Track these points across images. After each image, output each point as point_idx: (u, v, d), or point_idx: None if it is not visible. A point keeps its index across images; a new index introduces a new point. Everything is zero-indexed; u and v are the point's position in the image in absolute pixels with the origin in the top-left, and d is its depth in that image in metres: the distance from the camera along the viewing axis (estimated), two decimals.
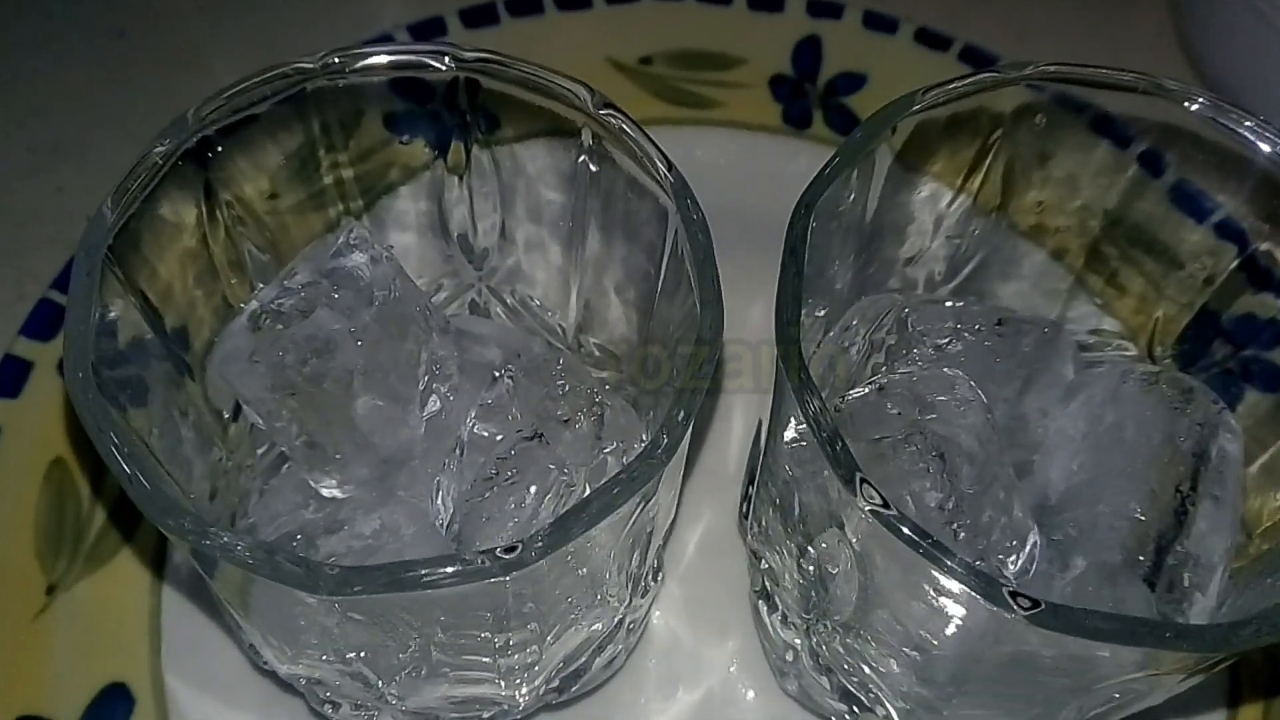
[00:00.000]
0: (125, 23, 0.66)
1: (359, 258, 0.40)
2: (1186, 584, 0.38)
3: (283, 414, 0.39)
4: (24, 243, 0.58)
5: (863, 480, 0.31)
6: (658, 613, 0.48)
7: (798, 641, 0.42)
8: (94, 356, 0.34)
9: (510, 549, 0.31)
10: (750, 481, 0.44)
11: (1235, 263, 0.42)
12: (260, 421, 0.40)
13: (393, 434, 0.40)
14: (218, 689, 0.45)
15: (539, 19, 0.63)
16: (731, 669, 0.47)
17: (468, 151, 0.43)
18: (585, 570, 0.36)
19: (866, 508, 0.30)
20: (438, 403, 0.42)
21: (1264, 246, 0.41)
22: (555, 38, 0.62)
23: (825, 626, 0.39)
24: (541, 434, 0.40)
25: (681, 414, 0.34)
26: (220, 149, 0.39)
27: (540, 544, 0.31)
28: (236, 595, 0.37)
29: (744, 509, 0.45)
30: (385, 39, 0.61)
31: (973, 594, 0.29)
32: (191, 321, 0.41)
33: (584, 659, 0.42)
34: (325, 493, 0.41)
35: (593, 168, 0.40)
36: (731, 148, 0.60)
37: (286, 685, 0.43)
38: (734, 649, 0.47)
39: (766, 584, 0.43)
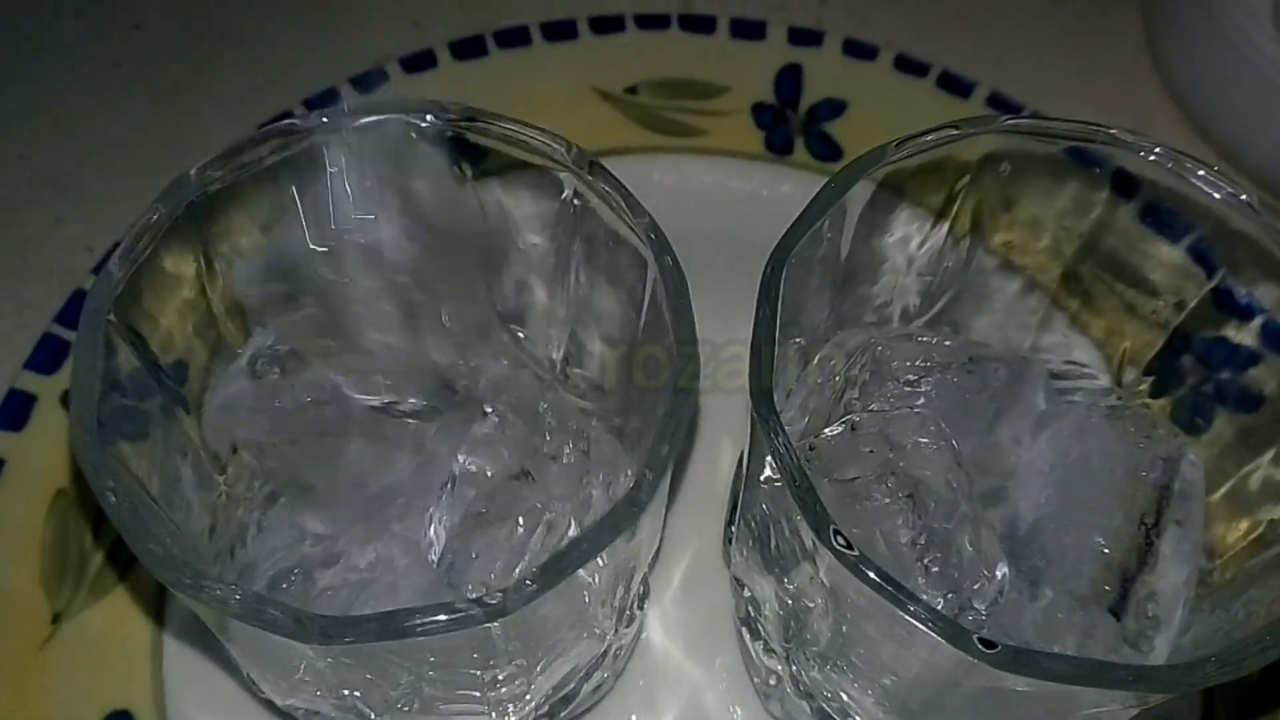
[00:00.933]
0: (122, 55, 0.67)
1: None
2: (1151, 614, 0.40)
3: (280, 459, 0.40)
4: (24, 274, 0.59)
5: (832, 528, 0.32)
6: (646, 635, 0.49)
7: (779, 668, 0.43)
8: (103, 414, 0.35)
9: (495, 596, 0.32)
10: (733, 511, 0.45)
11: (1203, 292, 0.43)
12: (256, 464, 0.41)
13: (386, 474, 0.42)
14: (219, 717, 0.46)
15: (526, 50, 0.64)
16: (718, 691, 0.48)
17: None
18: (571, 608, 0.38)
19: (830, 557, 0.32)
20: (428, 442, 0.43)
21: (1228, 283, 0.42)
22: (543, 68, 0.64)
23: (804, 656, 0.40)
24: (528, 471, 0.42)
25: (665, 449, 0.35)
26: (216, 204, 0.40)
27: (526, 590, 0.33)
28: (233, 637, 0.38)
29: (727, 536, 0.46)
30: (377, 73, 0.62)
31: (934, 635, 0.31)
32: (190, 364, 0.42)
33: (572, 685, 0.44)
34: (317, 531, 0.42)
35: (576, 213, 0.42)
36: (716, 174, 0.61)
37: (286, 715, 0.44)
38: (721, 671, 0.48)
39: (750, 611, 0.44)
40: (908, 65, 0.64)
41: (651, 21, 0.65)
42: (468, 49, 0.63)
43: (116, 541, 0.49)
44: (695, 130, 0.62)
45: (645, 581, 0.47)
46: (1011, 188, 0.42)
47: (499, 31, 0.64)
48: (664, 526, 0.47)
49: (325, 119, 0.39)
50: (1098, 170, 0.41)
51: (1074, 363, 0.47)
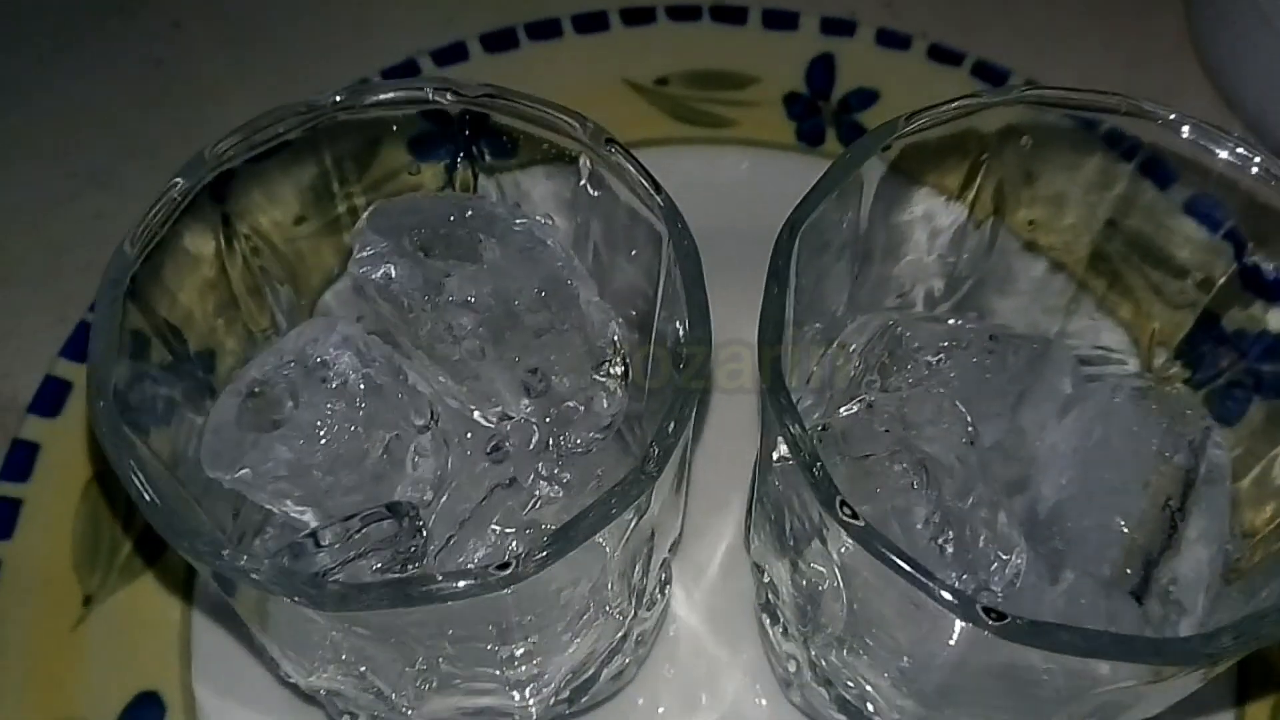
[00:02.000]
0: (160, 53, 0.68)
1: (348, 335, 0.41)
2: (1174, 597, 0.39)
3: (275, 495, 0.40)
4: (63, 268, 0.60)
5: (840, 499, 0.32)
6: (671, 624, 0.49)
7: (799, 654, 0.43)
8: (120, 384, 0.36)
9: (505, 565, 0.32)
10: (752, 495, 0.45)
11: (1231, 269, 0.42)
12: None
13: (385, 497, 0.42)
14: (244, 698, 0.47)
15: (558, 42, 0.64)
16: (743, 680, 0.48)
17: (475, 179, 0.44)
18: (583, 584, 0.38)
19: (842, 527, 0.31)
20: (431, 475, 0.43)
21: (1255, 259, 0.41)
22: (573, 60, 0.64)
23: (820, 639, 0.40)
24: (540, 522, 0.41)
25: (672, 425, 0.35)
26: (236, 183, 0.40)
27: (537, 557, 0.33)
28: (254, 612, 0.39)
29: (747, 522, 0.46)
30: (409, 65, 0.62)
31: (941, 607, 0.30)
32: (214, 346, 0.43)
33: (591, 670, 0.44)
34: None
35: (593, 192, 0.42)
36: (746, 165, 0.61)
37: (308, 696, 0.45)
38: (745, 660, 0.48)
39: (769, 596, 0.44)
40: (941, 54, 0.63)
41: (683, 13, 0.65)
42: (499, 41, 0.64)
43: (147, 528, 0.49)
44: (726, 121, 0.62)
45: (667, 567, 0.47)
46: (1033, 162, 0.41)
47: (530, 24, 0.64)
48: (685, 514, 0.47)
49: (339, 97, 0.40)
50: (1121, 142, 0.40)
51: (1103, 348, 0.47)
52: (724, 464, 0.51)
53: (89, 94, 0.67)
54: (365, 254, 0.41)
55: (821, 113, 0.62)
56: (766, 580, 0.43)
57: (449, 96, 0.40)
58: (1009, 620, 0.30)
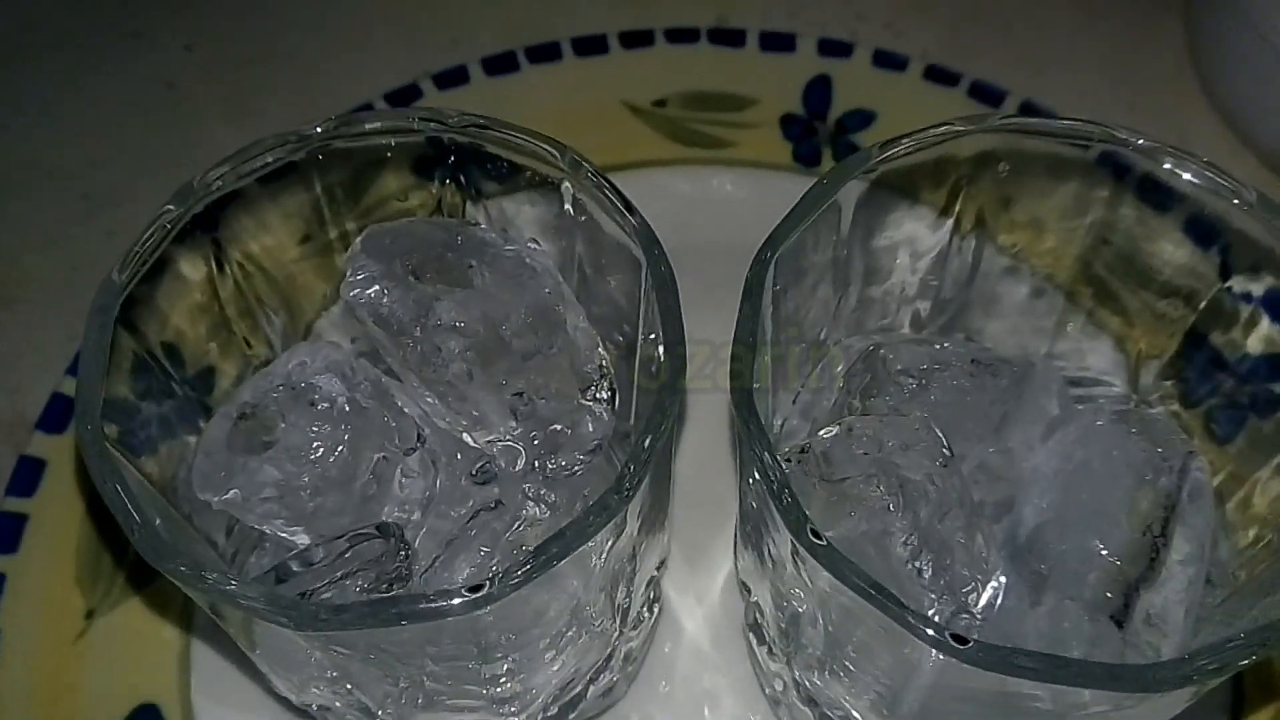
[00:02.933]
0: (173, 75, 0.70)
1: (335, 359, 0.42)
2: (1155, 621, 0.39)
3: (264, 517, 0.41)
4: (75, 286, 0.61)
5: (809, 525, 0.32)
6: (664, 641, 0.49)
7: (784, 673, 0.43)
8: (111, 407, 0.37)
9: (478, 586, 0.33)
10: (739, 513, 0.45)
11: (1213, 292, 0.42)
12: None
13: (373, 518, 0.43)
14: (242, 712, 0.47)
15: (556, 65, 0.65)
16: (734, 698, 0.48)
17: (464, 205, 0.45)
18: (564, 603, 0.38)
19: (809, 552, 0.32)
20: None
21: (1237, 280, 0.41)
22: (573, 82, 0.65)
23: (802, 660, 0.40)
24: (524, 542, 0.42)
25: (648, 440, 0.35)
26: (228, 210, 0.41)
27: (512, 578, 0.33)
28: (242, 632, 0.39)
29: (735, 542, 0.46)
30: (411, 89, 0.63)
31: (904, 631, 0.31)
32: (208, 370, 0.44)
33: (579, 688, 0.44)
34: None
35: (576, 217, 0.42)
36: (743, 185, 0.61)
37: (303, 712, 0.45)
38: (737, 679, 0.48)
39: (755, 617, 0.44)
40: (938, 75, 0.64)
41: (681, 35, 0.66)
42: (499, 65, 0.64)
43: None
44: (724, 142, 0.63)
45: (656, 586, 0.47)
46: (1011, 187, 0.41)
47: (530, 47, 0.65)
48: (674, 532, 0.48)
49: (328, 125, 0.41)
50: (1097, 167, 0.40)
51: (1090, 369, 0.47)
52: (720, 480, 0.52)
53: (103, 115, 0.68)
54: (358, 277, 0.41)
55: (818, 134, 0.63)
56: (753, 600, 0.44)
57: (434, 125, 0.41)
58: (971, 645, 0.30)
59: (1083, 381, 0.47)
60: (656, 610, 0.48)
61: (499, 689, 0.40)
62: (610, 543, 0.37)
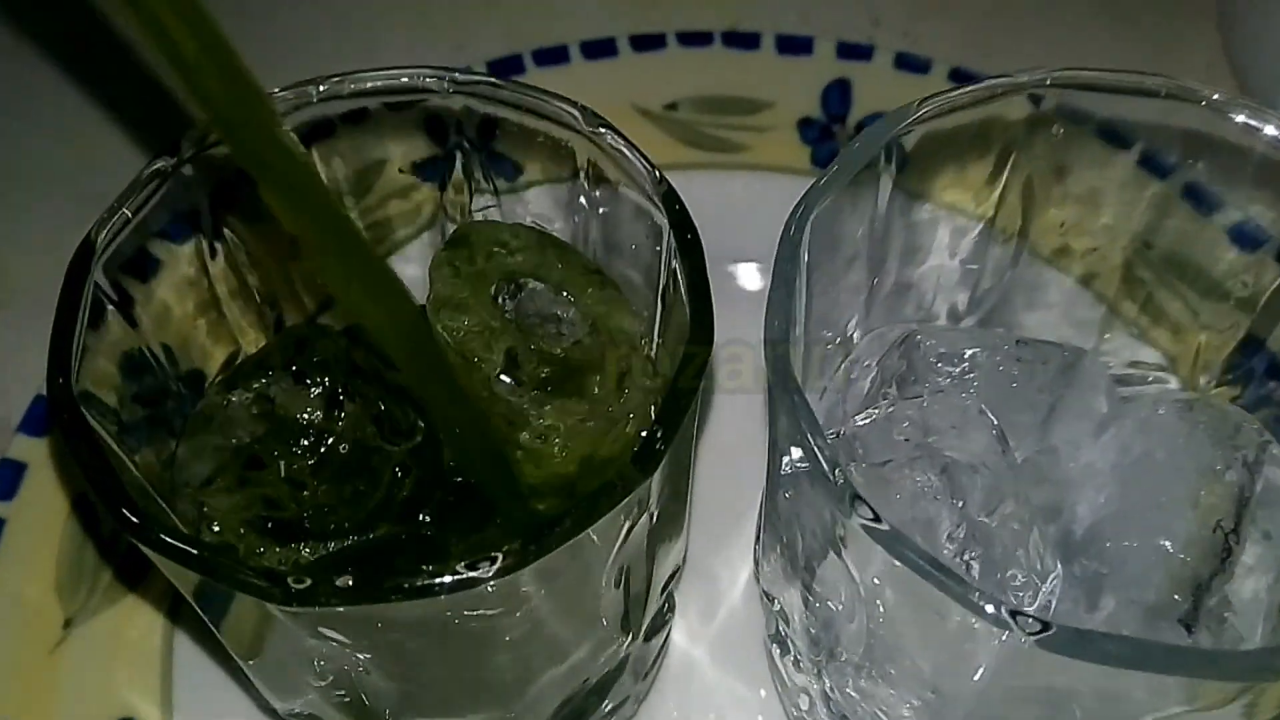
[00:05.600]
0: (170, 79, 0.68)
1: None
2: (1228, 626, 0.35)
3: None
4: None
5: (855, 496, 0.29)
6: (676, 658, 0.47)
7: (812, 686, 0.40)
8: (91, 385, 0.35)
9: (474, 565, 0.30)
10: (760, 519, 0.42)
11: (1276, 284, 0.39)
12: None
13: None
14: None
15: (565, 68, 0.63)
16: (750, 716, 0.45)
17: (470, 189, 0.43)
18: (569, 596, 0.35)
19: (856, 540, 0.28)
20: None
21: None
22: (581, 86, 0.62)
23: (835, 669, 0.37)
24: None
25: (661, 429, 0.32)
26: (228, 201, 0.39)
27: (516, 555, 0.30)
28: (233, 632, 0.37)
29: (756, 550, 0.43)
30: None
31: (972, 616, 0.27)
32: (195, 352, 0.41)
33: (585, 700, 0.41)
34: None
35: (590, 190, 0.40)
36: (758, 190, 0.58)
37: None
38: (755, 696, 0.46)
39: (780, 626, 0.41)
40: (961, 78, 0.61)
41: (694, 38, 0.64)
42: (506, 68, 0.62)
43: (130, 550, 0.48)
44: (738, 146, 0.60)
45: (670, 597, 0.44)
46: (1067, 154, 0.38)
47: (537, 51, 0.63)
48: (689, 543, 0.45)
49: (322, 89, 0.38)
50: (1161, 134, 0.37)
51: (1141, 363, 0.44)
52: (732, 495, 0.49)
53: (98, 120, 0.66)
54: None
55: (836, 137, 0.60)
56: (777, 608, 0.40)
57: (445, 83, 0.38)
58: (1053, 630, 0.26)
59: (1132, 379, 0.44)
60: (669, 621, 0.44)
61: (500, 697, 0.37)
62: (624, 530, 0.33)
